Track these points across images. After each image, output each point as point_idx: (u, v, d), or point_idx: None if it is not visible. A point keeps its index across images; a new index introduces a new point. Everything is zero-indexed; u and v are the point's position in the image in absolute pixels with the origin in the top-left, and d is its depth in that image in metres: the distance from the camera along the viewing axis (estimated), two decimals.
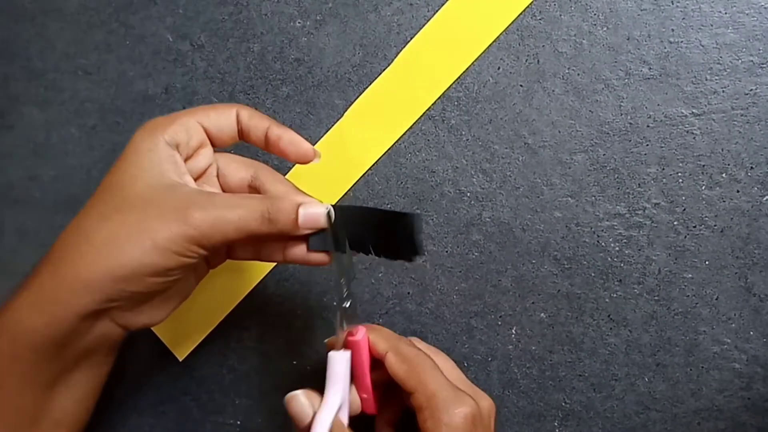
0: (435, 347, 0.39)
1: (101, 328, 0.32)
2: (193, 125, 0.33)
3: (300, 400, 0.34)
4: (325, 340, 0.37)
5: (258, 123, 0.34)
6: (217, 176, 0.35)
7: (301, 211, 0.32)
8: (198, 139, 0.34)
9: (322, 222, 0.33)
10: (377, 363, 0.36)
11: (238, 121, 0.34)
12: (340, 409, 0.34)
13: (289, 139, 0.34)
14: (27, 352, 0.31)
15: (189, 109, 0.34)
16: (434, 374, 0.34)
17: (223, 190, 0.36)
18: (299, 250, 0.34)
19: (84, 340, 0.32)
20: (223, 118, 0.34)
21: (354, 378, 0.36)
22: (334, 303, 0.35)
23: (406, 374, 0.34)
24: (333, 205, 0.34)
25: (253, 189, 0.35)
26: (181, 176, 0.32)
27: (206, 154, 0.35)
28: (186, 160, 0.33)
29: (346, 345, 0.35)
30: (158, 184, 0.31)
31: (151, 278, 0.31)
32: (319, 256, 0.34)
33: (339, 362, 0.34)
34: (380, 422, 0.38)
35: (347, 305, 0.35)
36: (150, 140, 0.32)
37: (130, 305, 0.32)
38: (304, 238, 0.34)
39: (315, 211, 0.33)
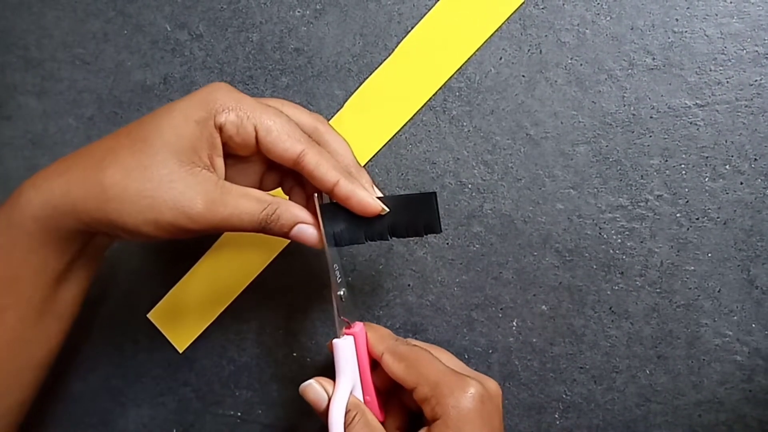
0: (434, 344, 0.39)
1: (95, 238, 0.36)
2: (248, 126, 0.33)
3: (314, 387, 0.35)
4: (327, 344, 0.38)
5: (324, 176, 0.33)
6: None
7: (295, 230, 0.34)
8: (243, 140, 0.33)
9: (310, 244, 0.35)
10: (378, 367, 0.36)
11: (301, 165, 0.33)
12: (353, 389, 0.35)
13: (357, 200, 0.34)
14: (36, 238, 0.33)
15: (262, 103, 0.34)
16: (434, 364, 0.34)
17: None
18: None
19: (81, 240, 0.35)
20: (281, 149, 0.33)
21: None
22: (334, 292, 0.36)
23: (405, 371, 0.34)
24: (332, 203, 0.35)
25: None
26: (212, 157, 0.33)
27: (250, 149, 0.34)
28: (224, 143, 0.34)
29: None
30: (186, 161, 0.32)
31: (144, 237, 0.33)
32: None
33: (343, 348, 0.35)
34: (388, 429, 0.38)
35: (342, 293, 0.36)
36: (203, 110, 0.33)
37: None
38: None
39: (308, 235, 0.35)
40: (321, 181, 0.33)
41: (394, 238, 0.35)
